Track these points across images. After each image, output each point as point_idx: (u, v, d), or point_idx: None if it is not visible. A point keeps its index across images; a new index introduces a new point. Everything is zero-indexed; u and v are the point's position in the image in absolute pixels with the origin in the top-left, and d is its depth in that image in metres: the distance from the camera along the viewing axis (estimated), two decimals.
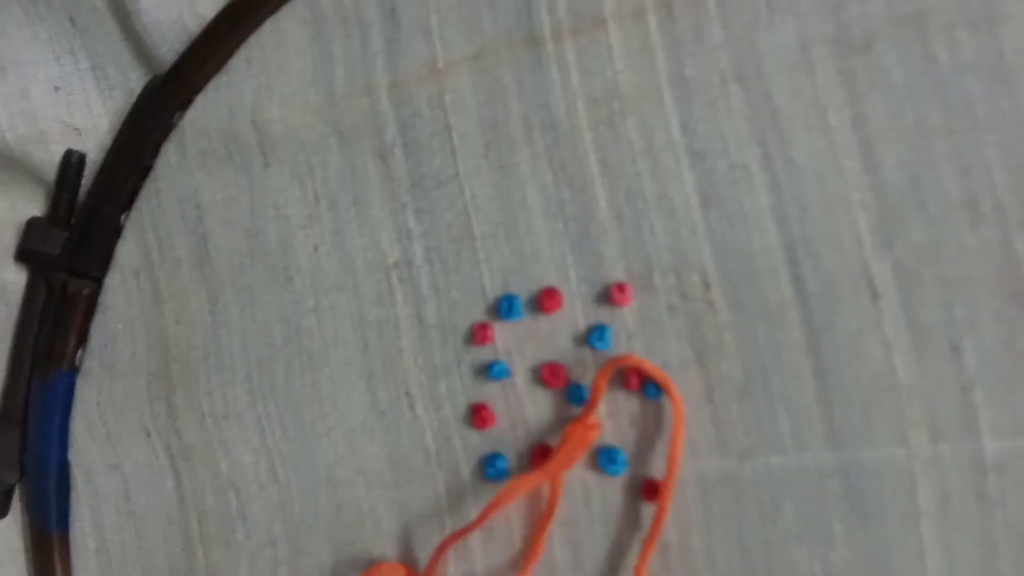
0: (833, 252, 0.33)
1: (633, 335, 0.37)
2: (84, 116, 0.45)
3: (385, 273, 0.41)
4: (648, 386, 0.35)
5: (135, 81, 0.44)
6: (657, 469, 0.36)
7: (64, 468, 0.45)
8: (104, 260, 0.45)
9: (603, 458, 0.36)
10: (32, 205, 0.44)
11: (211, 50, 0.43)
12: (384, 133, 0.41)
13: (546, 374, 0.38)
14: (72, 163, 0.44)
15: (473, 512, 0.40)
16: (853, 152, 0.33)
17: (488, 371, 0.39)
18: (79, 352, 0.45)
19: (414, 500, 0.41)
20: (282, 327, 0.43)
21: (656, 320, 0.37)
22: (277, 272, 0.43)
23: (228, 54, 0.43)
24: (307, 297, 0.42)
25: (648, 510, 0.35)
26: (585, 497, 0.38)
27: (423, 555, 0.40)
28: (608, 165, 0.38)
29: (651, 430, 0.35)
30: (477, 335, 0.40)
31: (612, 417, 0.37)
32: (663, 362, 0.36)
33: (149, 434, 0.45)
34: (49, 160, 0.44)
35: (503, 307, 0.39)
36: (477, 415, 0.39)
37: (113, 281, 0.45)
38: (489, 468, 0.39)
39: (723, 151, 0.36)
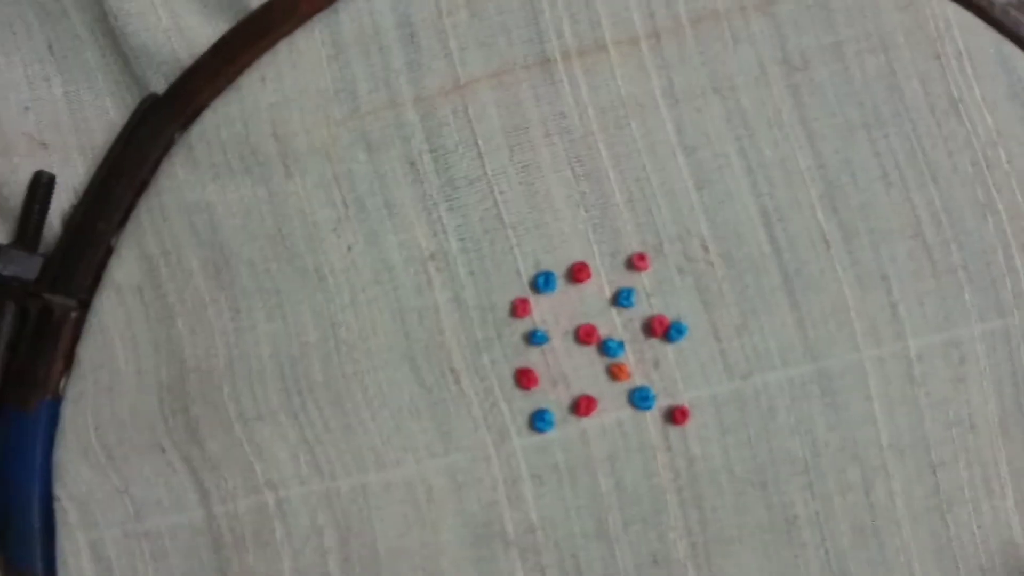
0: (796, 216, 0.38)
1: (652, 294, 0.43)
2: (53, 133, 0.43)
3: (423, 264, 0.43)
4: (670, 331, 0.44)
5: (110, 104, 0.43)
6: (679, 397, 0.43)
7: (48, 505, 0.41)
8: (93, 281, 0.42)
9: (636, 396, 0.44)
10: None
11: (216, 69, 0.43)
12: (411, 141, 0.43)
13: (582, 334, 0.43)
14: (41, 184, 0.42)
15: (524, 466, 0.43)
16: (803, 142, 0.42)
17: (530, 339, 0.42)
18: (63, 379, 0.42)
19: (465, 464, 0.42)
20: (316, 324, 0.43)
21: (669, 280, 0.40)
22: (307, 273, 0.43)
23: (238, 72, 0.43)
24: (342, 294, 0.43)
25: (676, 432, 0.45)
26: (622, 433, 0.43)
27: (479, 511, 0.43)
28: (618, 160, 0.39)
29: (671, 367, 0.44)
30: (518, 309, 0.42)
31: (641, 363, 0.44)
32: (677, 312, 0.44)
33: (164, 450, 0.43)
34: (11, 173, 0.42)
35: (540, 281, 0.43)
36: (523, 377, 0.42)
37: (107, 300, 0.43)
38: (539, 422, 0.42)
39: (708, 145, 0.39)
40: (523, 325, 0.39)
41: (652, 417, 0.40)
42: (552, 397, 0.39)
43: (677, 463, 0.43)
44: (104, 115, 0.37)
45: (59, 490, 0.38)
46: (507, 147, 0.41)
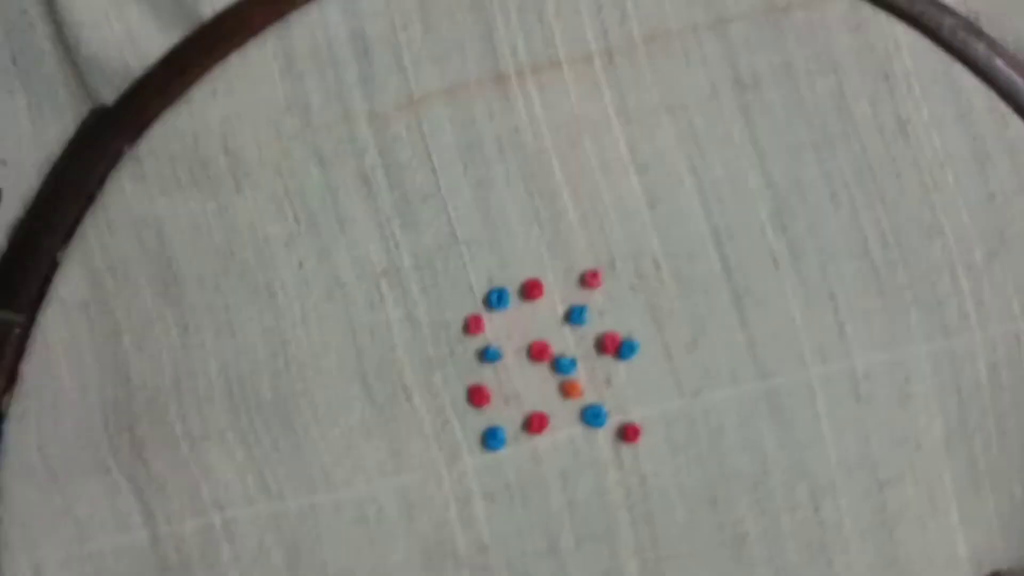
0: (745, 235, 0.38)
1: (604, 311, 0.43)
2: (14, 150, 0.42)
3: (375, 281, 0.42)
4: (622, 349, 0.45)
5: (70, 119, 0.42)
6: (631, 415, 0.44)
7: None
8: (39, 296, 0.41)
9: (588, 414, 0.44)
10: None
11: (167, 81, 0.42)
12: (365, 156, 0.42)
13: (535, 351, 0.43)
14: None
15: (476, 485, 0.43)
16: (753, 162, 0.42)
17: (483, 356, 0.42)
18: (6, 397, 0.41)
19: (416, 483, 0.43)
20: (266, 342, 0.42)
21: (621, 298, 0.41)
22: (258, 289, 0.42)
23: (187, 85, 0.42)
24: (293, 310, 0.42)
25: (627, 450, 0.45)
26: (574, 451, 0.43)
27: (430, 532, 0.43)
28: (572, 177, 0.42)
29: (623, 384, 0.45)
30: (471, 325, 0.42)
31: (593, 380, 0.44)
32: (629, 330, 0.44)
33: (109, 470, 0.42)
34: None
35: (493, 298, 0.42)
36: (474, 394, 0.42)
37: (52, 316, 0.42)
38: (491, 440, 0.42)
39: (661, 163, 0.41)
40: (476, 342, 0.39)
41: (604, 435, 0.40)
42: (505, 415, 0.39)
43: (629, 480, 0.43)
44: (65, 130, 0.35)
45: (1, 511, 0.36)
46: (461, 163, 0.41)
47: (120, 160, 0.39)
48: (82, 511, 0.38)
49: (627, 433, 0.40)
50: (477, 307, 0.41)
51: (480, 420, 0.40)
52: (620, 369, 0.40)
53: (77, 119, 0.39)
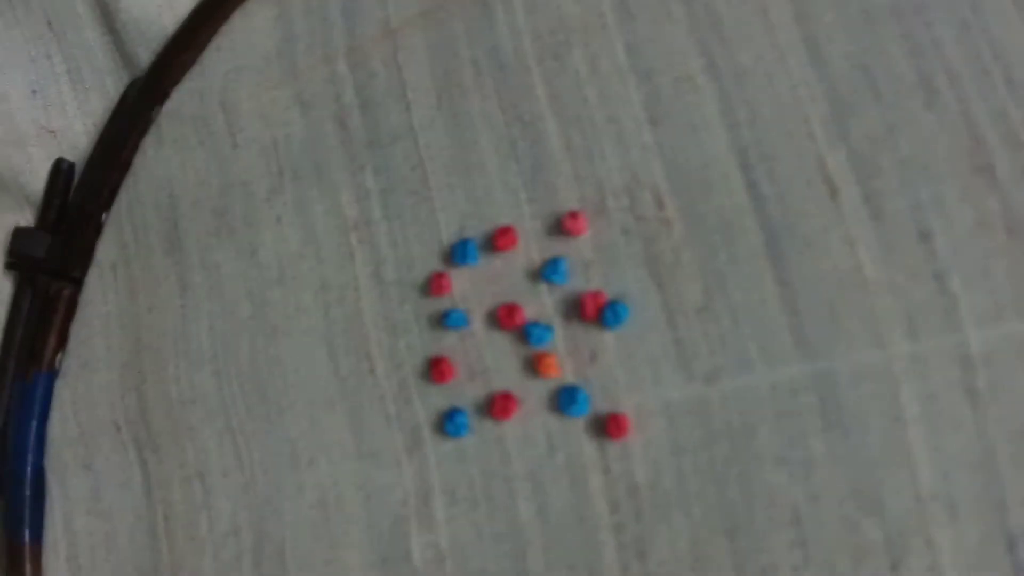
0: (786, 151, 0.28)
1: (590, 264, 0.33)
2: (60, 118, 0.43)
3: (345, 235, 0.38)
4: (606, 314, 0.29)
5: (110, 84, 0.43)
6: (621, 403, 0.31)
7: (40, 475, 0.42)
8: (86, 259, 0.42)
9: (563, 399, 0.29)
10: (11, 212, 0.41)
11: (186, 43, 0.42)
12: (342, 97, 0.39)
13: (502, 315, 0.33)
14: (62, 171, 0.43)
15: (436, 477, 0.35)
16: (798, 48, 0.29)
17: (445, 321, 0.34)
18: (59, 354, 0.42)
19: (376, 470, 0.37)
20: (248, 303, 0.39)
21: (611, 246, 0.33)
22: (243, 248, 0.40)
23: (202, 46, 0.41)
24: (271, 269, 0.39)
25: (615, 449, 0.28)
26: (548, 445, 0.32)
27: (386, 530, 0.35)
28: (556, 97, 0.35)
29: (611, 362, 0.28)
30: (433, 286, 0.36)
31: (574, 355, 0.29)
32: (620, 289, 0.29)
33: (119, 428, 0.41)
34: (27, 163, 0.43)
35: (457, 252, 0.35)
36: (435, 369, 0.35)
37: (92, 278, 0.42)
38: (448, 424, 0.35)
39: (668, 67, 0.33)
40: (441, 304, 0.33)
41: (584, 426, 0.30)
42: (469, 393, 0.31)
43: (615, 491, 0.33)
44: (105, 96, 0.37)
45: (47, 462, 0.38)
46: (435, 95, 0.37)
47: (149, 126, 0.39)
48: (99, 467, 0.39)
49: (613, 426, 0.30)
50: (445, 262, 0.32)
51: (443, 398, 0.33)
52: (607, 341, 0.30)
53: (116, 83, 0.40)
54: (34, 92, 0.41)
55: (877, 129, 0.28)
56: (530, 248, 0.32)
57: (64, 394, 0.42)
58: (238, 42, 0.39)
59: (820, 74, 0.29)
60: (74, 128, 0.43)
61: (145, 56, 0.42)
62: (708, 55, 0.30)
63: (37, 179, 0.41)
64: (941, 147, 0.26)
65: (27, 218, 0.41)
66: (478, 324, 0.34)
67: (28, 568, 0.41)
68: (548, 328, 0.31)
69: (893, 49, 0.28)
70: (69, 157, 0.43)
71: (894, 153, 0.28)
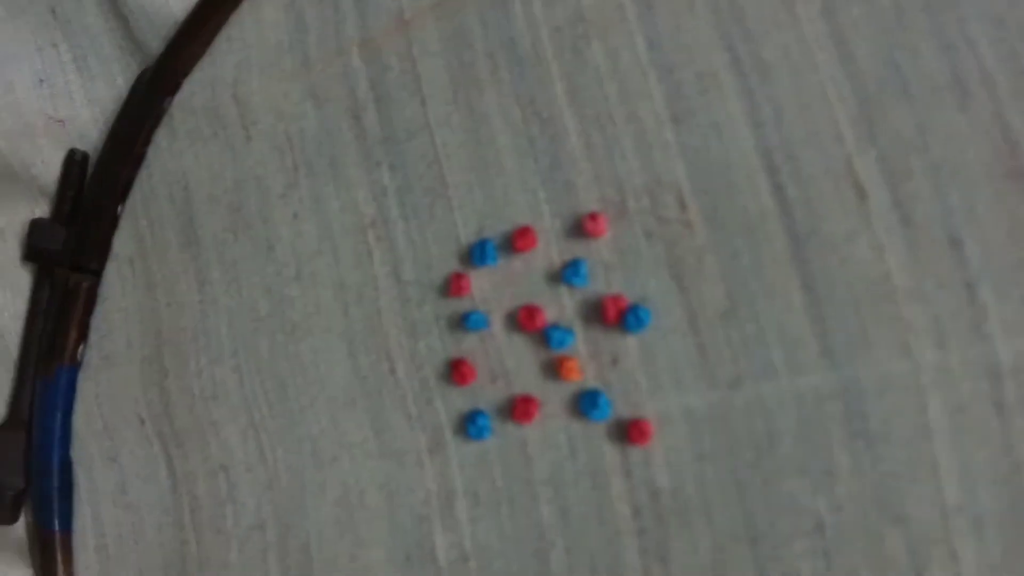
0: (813, 152, 0.27)
1: (610, 267, 0.32)
2: (67, 107, 0.43)
3: (362, 233, 0.38)
4: (628, 318, 0.28)
5: (117, 71, 0.43)
6: (642, 408, 0.31)
7: (67, 466, 0.42)
8: (103, 252, 0.42)
9: (585, 401, 0.29)
10: (26, 203, 0.41)
11: (195, 33, 0.41)
12: (357, 92, 0.38)
13: (523, 317, 0.33)
14: (76, 161, 0.43)
15: (459, 479, 0.35)
16: (825, 43, 0.28)
17: (465, 322, 0.34)
18: (80, 347, 0.42)
19: (398, 470, 0.37)
20: (266, 300, 0.39)
21: (632, 249, 0.32)
22: (260, 244, 0.39)
23: (212, 35, 0.41)
24: (289, 266, 0.39)
25: (637, 454, 0.27)
26: (570, 449, 0.32)
27: (410, 528, 0.35)
28: (575, 93, 0.34)
29: (633, 366, 0.28)
30: (452, 286, 0.35)
31: (595, 358, 0.28)
32: (642, 293, 0.28)
33: (143, 422, 0.42)
34: (37, 153, 0.42)
35: (476, 253, 0.35)
36: (456, 371, 0.35)
37: (110, 271, 0.42)
38: (471, 427, 0.34)
39: (690, 62, 0.32)
40: (460, 305, 0.32)
41: (607, 431, 0.30)
42: (490, 396, 0.31)
43: (638, 496, 0.33)
44: (112, 84, 0.37)
45: (74, 453, 0.38)
46: (451, 90, 0.36)
47: (162, 117, 0.38)
48: (124, 460, 0.39)
49: (636, 432, 0.29)
50: (463, 263, 0.32)
51: (464, 401, 0.32)
52: (629, 345, 0.30)
53: (124, 70, 0.39)
54: (41, 81, 0.40)
55: (907, 130, 0.27)
56: (550, 249, 0.31)
57: (87, 387, 0.42)
58: (248, 32, 0.38)
59: (848, 71, 0.27)
60: (82, 117, 0.42)
61: (154, 42, 0.41)
62: (732, 50, 0.29)
63: (49, 170, 0.40)
64: (973, 151, 0.25)
65: (42, 209, 0.40)
66: (498, 326, 0.34)
67: (59, 556, 0.41)
68: (569, 331, 0.31)
69: (924, 46, 0.26)
70: (79, 146, 0.43)
71: (924, 156, 0.26)
